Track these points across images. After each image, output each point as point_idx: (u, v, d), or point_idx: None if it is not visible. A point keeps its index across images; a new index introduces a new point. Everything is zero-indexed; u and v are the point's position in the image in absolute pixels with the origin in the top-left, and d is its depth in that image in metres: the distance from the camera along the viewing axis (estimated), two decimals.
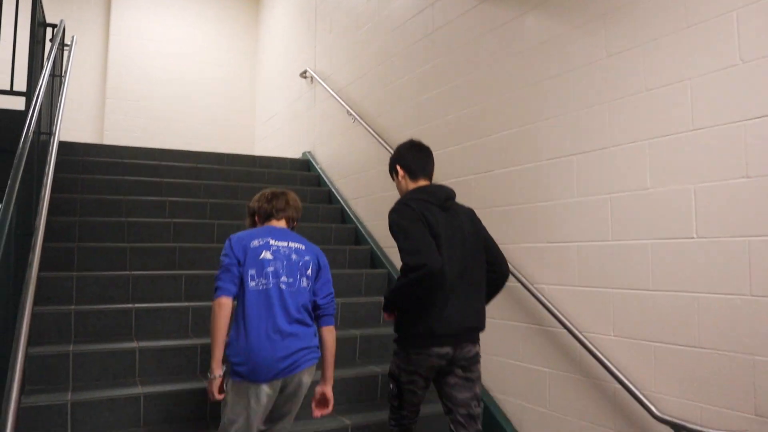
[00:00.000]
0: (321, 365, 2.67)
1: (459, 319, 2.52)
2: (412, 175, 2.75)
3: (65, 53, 5.77)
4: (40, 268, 3.00)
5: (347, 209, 5.57)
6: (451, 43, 4.17)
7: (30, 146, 3.15)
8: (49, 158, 3.60)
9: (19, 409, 1.81)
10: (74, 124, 7.97)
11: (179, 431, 3.05)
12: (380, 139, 4.91)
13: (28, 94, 4.75)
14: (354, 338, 3.91)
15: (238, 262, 2.52)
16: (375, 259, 5.00)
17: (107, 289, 3.88)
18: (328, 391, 2.66)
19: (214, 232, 4.77)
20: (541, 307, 3.24)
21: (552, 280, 3.26)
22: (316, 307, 2.65)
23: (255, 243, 2.58)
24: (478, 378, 2.64)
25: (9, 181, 2.72)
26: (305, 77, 6.87)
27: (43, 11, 5.36)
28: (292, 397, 2.55)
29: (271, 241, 2.61)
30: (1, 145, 4.42)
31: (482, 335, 3.69)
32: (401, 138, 4.67)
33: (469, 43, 3.99)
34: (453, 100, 4.13)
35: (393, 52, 4.93)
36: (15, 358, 1.93)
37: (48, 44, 5.45)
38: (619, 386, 2.79)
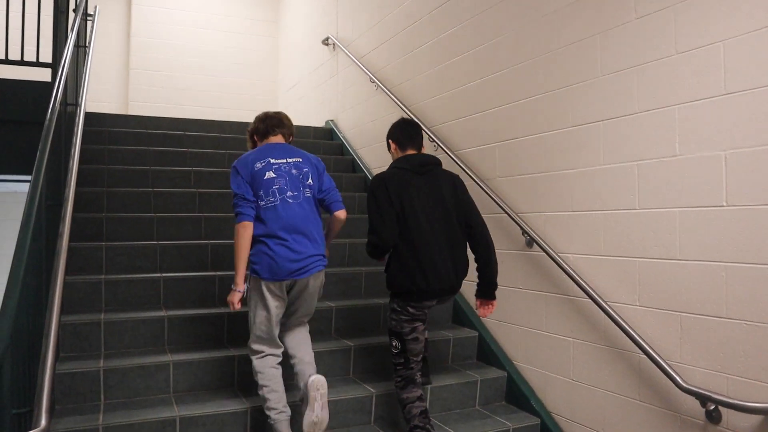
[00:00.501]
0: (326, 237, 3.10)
1: (437, 278, 2.89)
2: (401, 146, 3.17)
3: (89, 24, 5.79)
4: (71, 239, 3.06)
5: (370, 177, 5.56)
6: (476, 7, 4.10)
7: (57, 118, 3.18)
8: (75, 129, 3.64)
9: (54, 376, 1.87)
10: (100, 95, 8.02)
11: (207, 398, 3.12)
12: (403, 107, 4.87)
13: (54, 66, 4.78)
14: (378, 306, 3.94)
15: (249, 184, 2.85)
16: None
17: (135, 258, 3.95)
18: (326, 252, 3.03)
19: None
20: (565, 276, 3.22)
21: (577, 249, 3.24)
22: (322, 202, 3.05)
23: (258, 165, 2.88)
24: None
25: (38, 153, 2.76)
26: (327, 44, 6.81)
27: None
28: (303, 298, 2.92)
29: (272, 160, 2.92)
30: (29, 117, 4.48)
31: (506, 305, 3.69)
32: (425, 105, 4.64)
33: (493, 6, 3.91)
34: (477, 66, 4.07)
35: (416, 17, 4.85)
36: (49, 327, 1.98)
37: (71, 15, 5.47)
38: (644, 356, 2.78)
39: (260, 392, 2.84)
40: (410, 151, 3.15)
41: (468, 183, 4.07)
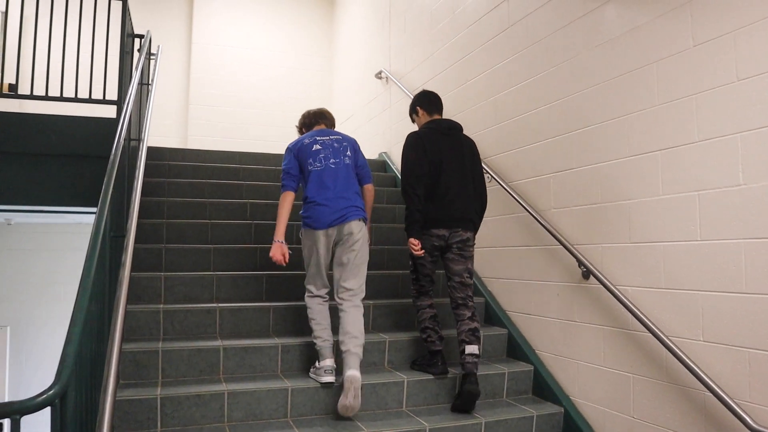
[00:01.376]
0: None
1: (451, 212, 3.55)
2: (429, 112, 3.85)
3: (152, 62, 6.04)
4: (132, 269, 3.14)
5: None
6: (528, 38, 4.10)
7: (121, 152, 3.31)
8: (138, 163, 3.77)
9: (115, 402, 1.91)
10: (161, 130, 8.33)
11: (260, 428, 3.13)
12: None
13: (119, 103, 5.00)
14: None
15: (298, 164, 3.60)
16: None
17: (193, 288, 4.03)
18: (367, 219, 3.66)
19: (293, 233, 4.87)
20: (624, 309, 3.13)
21: (636, 281, 3.15)
22: (357, 175, 3.74)
23: (306, 141, 3.64)
24: (471, 257, 3.62)
25: (103, 186, 2.87)
26: (380, 77, 6.92)
27: (131, 23, 5.63)
28: (348, 246, 3.47)
29: (318, 138, 3.68)
30: (96, 151, 4.68)
31: (562, 339, 3.62)
32: (479, 136, 4.64)
33: (546, 37, 3.92)
34: (529, 97, 4.06)
35: (468, 49, 4.89)
36: (111, 354, 2.03)
37: (136, 54, 5.72)
38: (709, 394, 2.67)
39: (310, 324, 3.50)
40: (435, 116, 3.83)
41: (522, 215, 4.05)
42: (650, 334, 2.96)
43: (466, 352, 3.42)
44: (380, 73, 6.86)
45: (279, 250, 3.51)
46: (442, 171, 3.58)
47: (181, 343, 3.46)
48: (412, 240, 3.53)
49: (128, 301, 2.94)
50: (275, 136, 8.81)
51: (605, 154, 3.38)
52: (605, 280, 3.26)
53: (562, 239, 3.59)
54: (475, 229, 3.67)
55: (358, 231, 3.49)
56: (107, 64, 5.04)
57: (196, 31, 8.79)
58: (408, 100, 5.95)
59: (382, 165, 6.66)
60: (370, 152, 7.21)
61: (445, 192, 3.56)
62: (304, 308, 3.61)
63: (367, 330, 3.96)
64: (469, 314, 3.51)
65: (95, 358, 2.52)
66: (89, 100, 4.95)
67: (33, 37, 4.87)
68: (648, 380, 3.06)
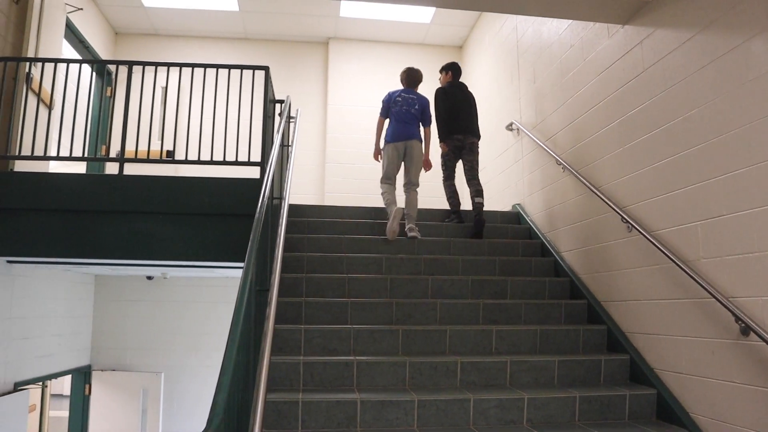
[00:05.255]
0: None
1: (463, 126, 6.15)
2: (453, 77, 6.41)
3: (291, 125, 6.42)
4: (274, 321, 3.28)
5: (561, 262, 5.39)
6: (664, 82, 3.93)
7: (265, 210, 3.52)
8: (280, 221, 3.97)
9: None
10: (300, 188, 8.76)
11: None
12: (593, 187, 4.71)
13: (263, 164, 5.34)
14: (573, 398, 3.71)
15: (387, 105, 6.03)
16: (593, 314, 4.74)
17: (331, 341, 4.12)
18: (425, 151, 6.13)
19: (429, 287, 4.88)
20: None
21: None
22: (421, 120, 6.06)
23: (392, 92, 6.09)
24: (477, 153, 6.21)
25: (249, 243, 3.05)
26: (511, 129, 6.89)
27: (272, 90, 6.04)
28: (410, 158, 5.88)
29: (402, 94, 6.04)
30: (243, 210, 5.00)
31: (722, 400, 3.31)
32: (615, 185, 4.46)
33: (687, 78, 3.72)
34: (669, 142, 3.85)
35: (600, 97, 4.76)
36: (256, 403, 2.11)
37: (277, 118, 6.11)
38: None
39: (383, 197, 5.87)
40: (452, 78, 6.41)
41: (667, 266, 3.80)
42: None
43: (476, 200, 5.94)
44: (511, 124, 6.83)
45: (377, 154, 6.09)
46: (458, 107, 6.17)
47: (320, 395, 3.53)
48: (442, 144, 6.19)
49: (271, 352, 3.07)
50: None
51: (761, 200, 3.11)
52: (765, 335, 2.95)
53: (714, 292, 3.31)
54: (478, 137, 6.22)
55: (417, 152, 5.87)
56: (251, 129, 5.42)
57: (331, 94, 9.26)
58: (540, 151, 5.89)
59: (515, 217, 6.55)
60: (502, 204, 7.14)
61: (457, 116, 6.14)
62: (442, 363, 3.63)
63: (504, 387, 3.85)
64: (475, 182, 6.07)
65: (242, 406, 2.63)
66: (236, 163, 5.34)
67: (188, 108, 5.36)
68: None
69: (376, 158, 6.05)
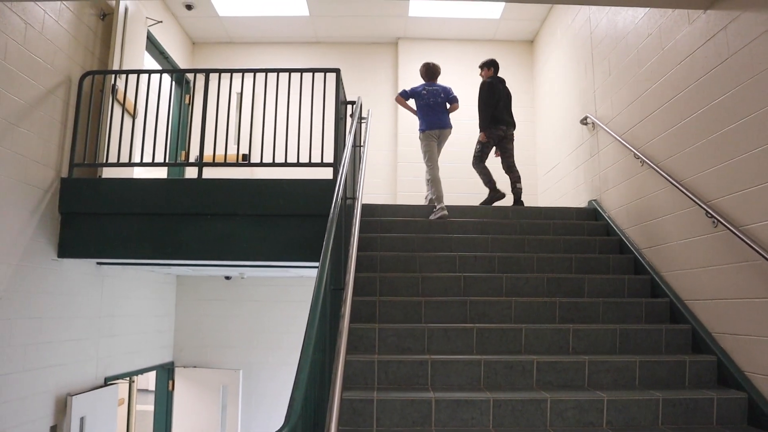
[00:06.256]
0: None
1: (503, 119, 6.84)
2: (490, 71, 7.04)
3: (363, 126, 6.47)
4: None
5: (641, 259, 5.20)
6: (752, 67, 3.72)
7: (339, 210, 3.56)
8: (354, 221, 4.02)
9: None
10: (372, 188, 8.82)
11: None
12: (674, 181, 4.53)
13: (335, 165, 5.41)
14: (656, 401, 3.57)
15: (410, 95, 6.85)
16: (675, 312, 4.56)
17: (405, 339, 4.14)
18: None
19: (503, 285, 4.82)
20: None
21: None
22: (448, 101, 6.83)
23: (415, 86, 6.84)
24: (513, 144, 7.03)
25: (324, 243, 3.09)
26: (586, 123, 6.71)
27: (344, 92, 6.11)
28: (442, 140, 6.76)
29: (425, 87, 6.77)
30: (317, 210, 5.08)
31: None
32: (698, 178, 4.27)
33: None
34: (757, 132, 3.65)
35: (681, 86, 4.56)
36: (332, 401, 2.14)
37: (348, 119, 6.18)
38: None
39: (427, 185, 6.66)
40: (492, 73, 7.04)
41: (758, 263, 3.61)
42: None
43: (517, 186, 6.80)
44: (585, 118, 6.65)
45: (403, 104, 6.94)
46: (499, 99, 6.82)
47: (395, 394, 3.54)
48: (483, 134, 6.80)
49: (346, 350, 3.10)
50: (482, 189, 8.86)
51: None
52: None
53: None
54: (515, 128, 6.97)
55: (446, 134, 6.76)
56: (324, 131, 5.51)
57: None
58: (616, 145, 5.70)
59: (592, 213, 6.38)
60: (577, 200, 6.97)
61: (502, 109, 6.84)
62: (517, 363, 3.62)
63: (582, 387, 3.76)
64: (515, 170, 6.90)
65: (318, 404, 2.67)
66: (309, 164, 5.44)
67: (262, 112, 5.49)
68: None
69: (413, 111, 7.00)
